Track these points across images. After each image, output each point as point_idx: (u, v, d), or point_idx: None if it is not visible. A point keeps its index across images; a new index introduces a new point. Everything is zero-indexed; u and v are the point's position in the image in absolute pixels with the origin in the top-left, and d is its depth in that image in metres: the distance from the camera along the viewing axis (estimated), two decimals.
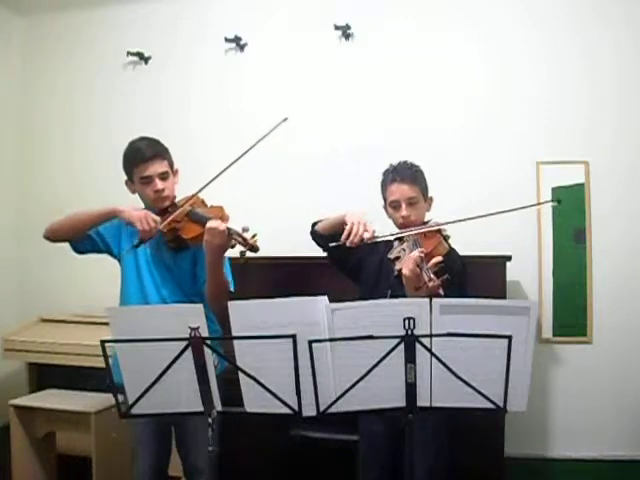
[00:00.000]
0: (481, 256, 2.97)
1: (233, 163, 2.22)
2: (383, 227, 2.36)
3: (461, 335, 1.68)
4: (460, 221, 2.21)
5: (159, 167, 2.28)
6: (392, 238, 2.28)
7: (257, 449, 3.03)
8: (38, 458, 3.19)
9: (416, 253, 2.04)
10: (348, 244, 2.21)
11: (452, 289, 1.98)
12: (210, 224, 2.07)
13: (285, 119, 2.21)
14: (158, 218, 2.22)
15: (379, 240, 2.26)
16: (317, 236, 2.45)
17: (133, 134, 2.43)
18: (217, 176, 2.23)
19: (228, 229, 2.06)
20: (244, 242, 2.05)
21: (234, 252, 2.16)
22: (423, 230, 2.24)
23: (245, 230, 2.06)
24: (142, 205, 2.38)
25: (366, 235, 2.20)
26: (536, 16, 3.38)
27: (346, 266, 2.43)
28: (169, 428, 2.37)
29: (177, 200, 2.34)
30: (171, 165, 2.35)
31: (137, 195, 2.38)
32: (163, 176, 2.29)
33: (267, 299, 1.76)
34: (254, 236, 2.06)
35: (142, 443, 2.31)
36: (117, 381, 1.86)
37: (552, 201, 2.34)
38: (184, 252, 2.29)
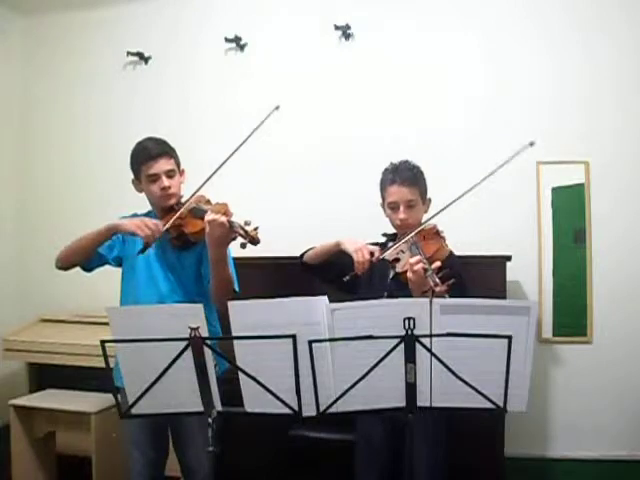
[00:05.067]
0: (481, 256, 2.97)
1: (230, 156, 2.21)
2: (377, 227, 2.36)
3: (461, 335, 1.68)
4: (442, 210, 2.20)
5: (165, 165, 2.29)
6: (397, 247, 2.24)
7: (257, 449, 3.03)
8: (38, 458, 3.20)
9: (417, 258, 2.03)
10: (361, 272, 2.21)
11: (454, 289, 1.97)
12: (209, 216, 2.07)
13: (277, 107, 2.18)
14: (157, 221, 2.22)
15: (385, 256, 2.23)
16: (307, 267, 2.46)
17: (133, 134, 2.43)
18: (216, 170, 2.22)
19: (229, 221, 2.06)
20: (245, 234, 2.05)
21: (234, 246, 2.15)
22: (420, 229, 2.24)
23: (247, 223, 2.06)
24: (148, 205, 2.39)
25: (375, 256, 2.20)
26: (536, 16, 3.38)
27: (342, 286, 2.37)
28: (165, 429, 2.35)
29: (183, 200, 2.34)
30: (178, 164, 2.37)
31: (143, 195, 2.38)
32: (169, 174, 2.30)
33: (267, 299, 1.76)
34: (255, 229, 2.06)
35: (136, 443, 2.30)
36: (119, 385, 1.88)
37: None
38: (189, 250, 2.30)
